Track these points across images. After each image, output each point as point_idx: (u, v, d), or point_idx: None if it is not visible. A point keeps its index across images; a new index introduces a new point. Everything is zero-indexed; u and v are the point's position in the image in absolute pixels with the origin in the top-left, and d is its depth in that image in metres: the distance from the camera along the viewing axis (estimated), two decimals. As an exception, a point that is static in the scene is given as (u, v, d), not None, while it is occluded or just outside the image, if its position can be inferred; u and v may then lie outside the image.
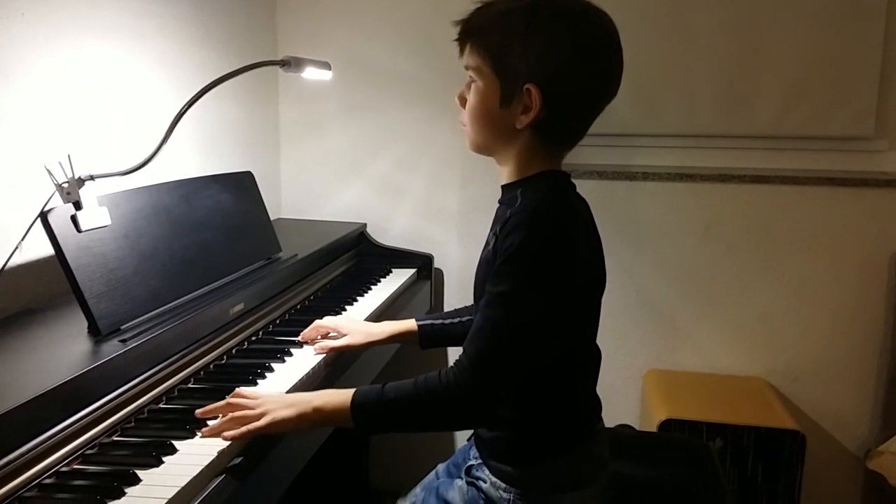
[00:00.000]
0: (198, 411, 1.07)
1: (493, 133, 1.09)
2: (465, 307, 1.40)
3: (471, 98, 1.08)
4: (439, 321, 1.40)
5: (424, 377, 1.04)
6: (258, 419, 1.03)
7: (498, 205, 1.13)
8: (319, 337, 1.43)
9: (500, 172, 1.13)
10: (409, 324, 1.41)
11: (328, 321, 1.45)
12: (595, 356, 1.16)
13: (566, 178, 1.12)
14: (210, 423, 1.05)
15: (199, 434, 1.04)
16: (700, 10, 2.16)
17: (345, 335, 1.41)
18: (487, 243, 1.09)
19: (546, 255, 1.00)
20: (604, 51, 1.05)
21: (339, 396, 1.06)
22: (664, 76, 2.21)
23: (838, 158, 2.16)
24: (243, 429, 1.01)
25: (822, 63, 2.12)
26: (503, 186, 1.13)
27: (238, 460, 1.02)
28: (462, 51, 1.09)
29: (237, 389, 1.12)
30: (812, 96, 2.14)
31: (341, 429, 1.09)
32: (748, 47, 2.15)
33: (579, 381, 1.14)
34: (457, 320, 1.38)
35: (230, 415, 1.05)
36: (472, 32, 1.06)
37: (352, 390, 1.06)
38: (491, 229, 1.10)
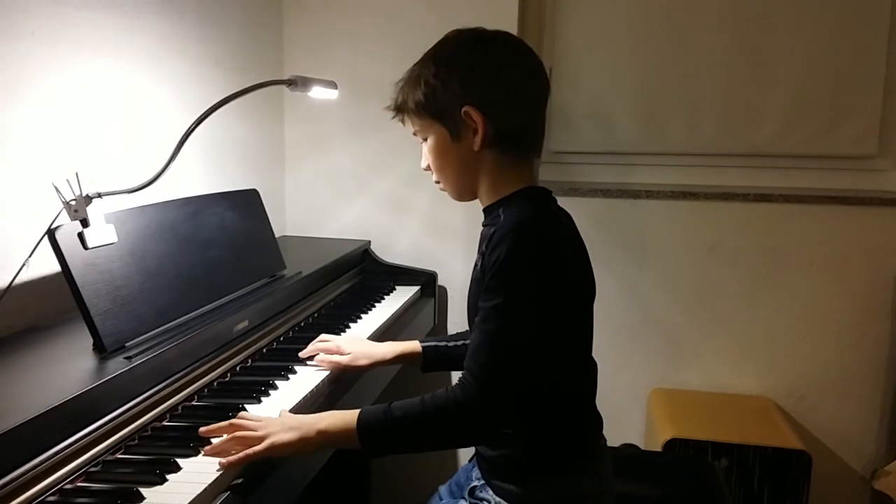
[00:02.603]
0: (201, 430, 1.07)
1: (461, 169, 1.14)
2: (468, 330, 1.40)
3: (430, 154, 1.16)
4: (443, 343, 1.40)
5: (431, 395, 1.04)
6: (259, 442, 1.02)
7: (482, 227, 1.15)
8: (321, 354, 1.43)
9: (479, 197, 1.17)
10: (413, 345, 1.41)
11: (331, 342, 1.43)
12: (592, 370, 1.16)
13: (546, 193, 1.15)
14: (214, 440, 1.05)
15: (203, 452, 1.03)
16: (702, 28, 2.18)
17: (348, 354, 1.41)
18: (476, 264, 1.12)
19: (532, 263, 1.02)
20: (508, 52, 1.12)
21: (344, 417, 1.05)
22: (667, 94, 2.23)
23: (841, 177, 2.17)
24: (242, 454, 1.00)
25: (825, 82, 2.14)
26: (485, 209, 1.16)
27: (241, 478, 1.01)
28: (403, 124, 1.18)
29: (241, 413, 1.12)
30: (815, 115, 2.15)
31: (347, 452, 1.08)
32: (751, 66, 2.17)
33: (579, 395, 1.15)
34: (461, 343, 1.38)
35: (232, 435, 1.04)
36: (402, 107, 1.16)
37: (356, 411, 1.05)
38: (478, 250, 1.11)
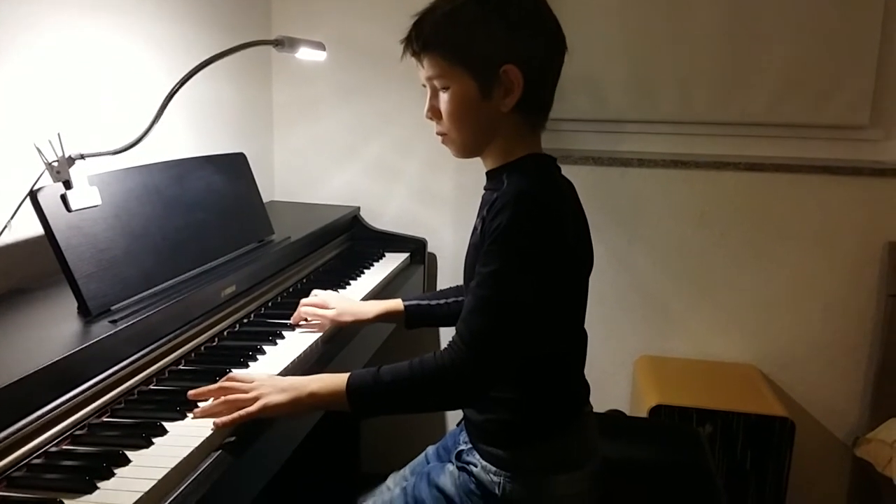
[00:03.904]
0: (189, 393, 1.07)
1: (480, 128, 1.08)
2: (451, 288, 1.41)
3: (448, 105, 1.07)
4: (425, 302, 1.41)
5: (419, 359, 1.04)
6: (251, 403, 1.03)
7: (484, 191, 1.13)
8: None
9: (485, 160, 1.13)
10: (396, 303, 1.42)
11: (316, 297, 1.44)
12: (583, 338, 1.17)
13: (551, 160, 1.13)
14: (201, 405, 1.05)
15: (191, 416, 1.03)
16: (697, -5, 2.15)
17: (332, 309, 1.41)
18: (475, 228, 1.10)
19: (534, 233, 1.00)
20: (548, 13, 1.07)
21: (334, 380, 1.06)
22: (659, 63, 2.21)
23: (833, 147, 2.17)
24: (235, 415, 1.01)
25: (818, 51, 2.12)
26: (488, 172, 1.13)
27: (229, 440, 1.01)
28: (420, 64, 1.08)
29: (230, 374, 1.12)
30: (808, 84, 2.14)
31: (336, 412, 1.09)
32: (744, 34, 2.14)
33: (568, 362, 1.15)
34: (442, 301, 1.39)
35: (223, 398, 1.04)
36: (429, 43, 1.06)
37: (346, 374, 1.06)
38: (478, 214, 1.10)
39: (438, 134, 1.12)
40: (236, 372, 1.16)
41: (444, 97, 1.07)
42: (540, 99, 1.08)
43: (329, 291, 1.50)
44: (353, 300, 1.48)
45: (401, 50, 1.11)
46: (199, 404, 1.06)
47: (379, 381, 1.04)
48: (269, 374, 1.13)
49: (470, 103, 1.06)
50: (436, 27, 1.05)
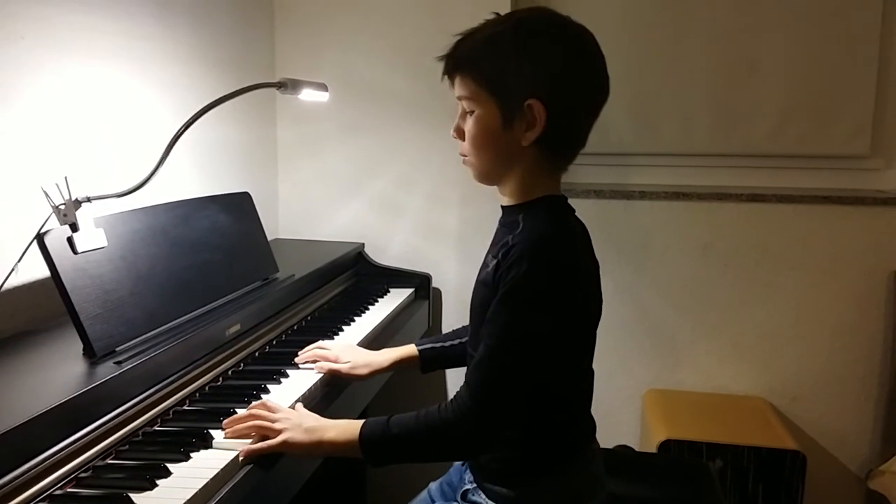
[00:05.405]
0: (225, 422, 1.11)
1: (498, 157, 1.08)
2: (463, 327, 1.39)
3: (471, 128, 1.07)
4: (439, 344, 1.39)
5: (426, 411, 1.05)
6: (275, 434, 1.06)
7: (498, 225, 1.13)
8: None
9: (502, 193, 1.13)
10: (410, 349, 1.40)
11: (329, 351, 1.42)
12: (589, 378, 1.16)
13: (565, 203, 1.12)
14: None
15: (224, 433, 1.09)
16: (696, 29, 2.18)
17: (346, 362, 1.39)
18: (486, 265, 1.09)
19: (547, 288, 1.01)
20: (589, 55, 1.06)
21: (349, 429, 1.07)
22: (660, 95, 2.23)
23: (834, 176, 2.18)
24: (256, 446, 1.05)
25: (817, 81, 2.14)
26: (504, 208, 1.13)
27: (233, 482, 1.01)
28: (452, 83, 1.09)
29: (262, 401, 1.15)
30: (807, 114, 2.16)
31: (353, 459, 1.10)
32: (743, 66, 2.17)
33: (574, 401, 1.14)
34: (456, 341, 1.38)
35: (253, 423, 1.08)
36: (462, 63, 1.06)
37: (360, 422, 1.07)
38: (490, 251, 1.10)
39: (461, 154, 1.13)
40: (266, 398, 1.18)
41: (469, 120, 1.08)
42: (563, 138, 1.07)
43: (339, 344, 1.49)
44: (365, 351, 1.45)
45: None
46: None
47: (388, 432, 1.04)
48: (298, 410, 1.16)
49: (491, 130, 1.06)
50: (471, 50, 1.05)
